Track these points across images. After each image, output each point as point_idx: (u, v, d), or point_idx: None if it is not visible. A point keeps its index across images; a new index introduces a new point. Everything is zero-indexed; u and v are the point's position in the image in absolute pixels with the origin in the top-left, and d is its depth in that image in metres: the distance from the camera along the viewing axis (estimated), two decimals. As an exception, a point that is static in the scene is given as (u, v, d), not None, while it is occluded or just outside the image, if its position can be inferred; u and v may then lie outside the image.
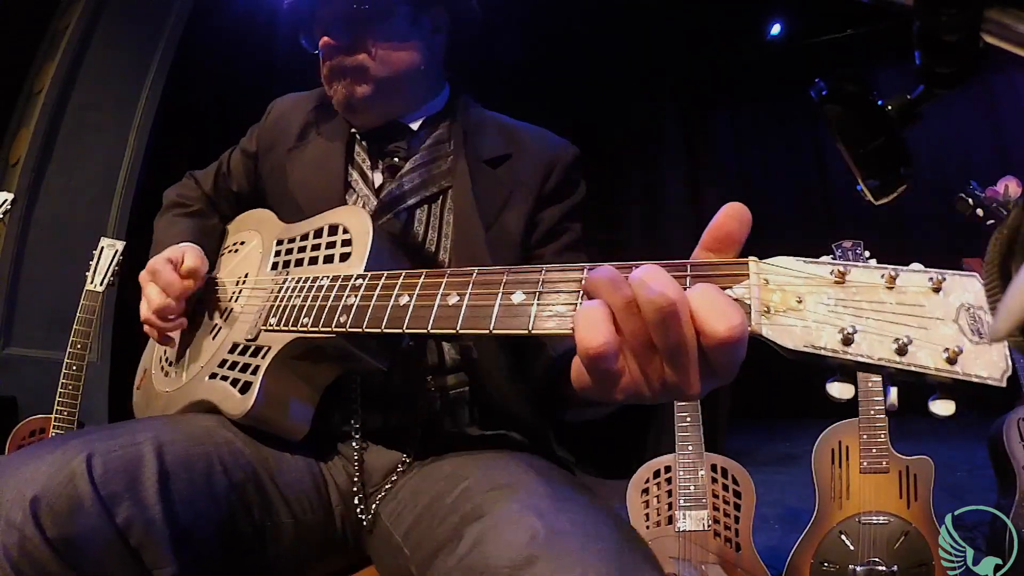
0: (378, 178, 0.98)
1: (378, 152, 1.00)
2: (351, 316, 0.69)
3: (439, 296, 0.62)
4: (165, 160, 3.32)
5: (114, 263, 2.03)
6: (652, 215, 4.87)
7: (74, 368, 1.97)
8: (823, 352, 0.44)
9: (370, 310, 0.67)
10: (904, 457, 1.77)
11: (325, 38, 0.94)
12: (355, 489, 0.86)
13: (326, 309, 0.72)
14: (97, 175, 3.21)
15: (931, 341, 0.41)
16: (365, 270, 0.75)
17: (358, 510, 0.85)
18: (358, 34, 0.94)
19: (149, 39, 3.34)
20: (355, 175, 0.98)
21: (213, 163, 1.16)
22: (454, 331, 0.59)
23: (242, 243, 1.04)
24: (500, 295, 0.58)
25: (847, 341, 0.43)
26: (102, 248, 2.04)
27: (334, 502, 0.86)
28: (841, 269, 0.45)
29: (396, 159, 0.98)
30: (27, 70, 3.15)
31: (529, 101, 1.09)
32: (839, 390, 0.45)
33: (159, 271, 0.91)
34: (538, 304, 0.55)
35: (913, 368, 0.41)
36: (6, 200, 1.94)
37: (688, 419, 1.90)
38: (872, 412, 1.78)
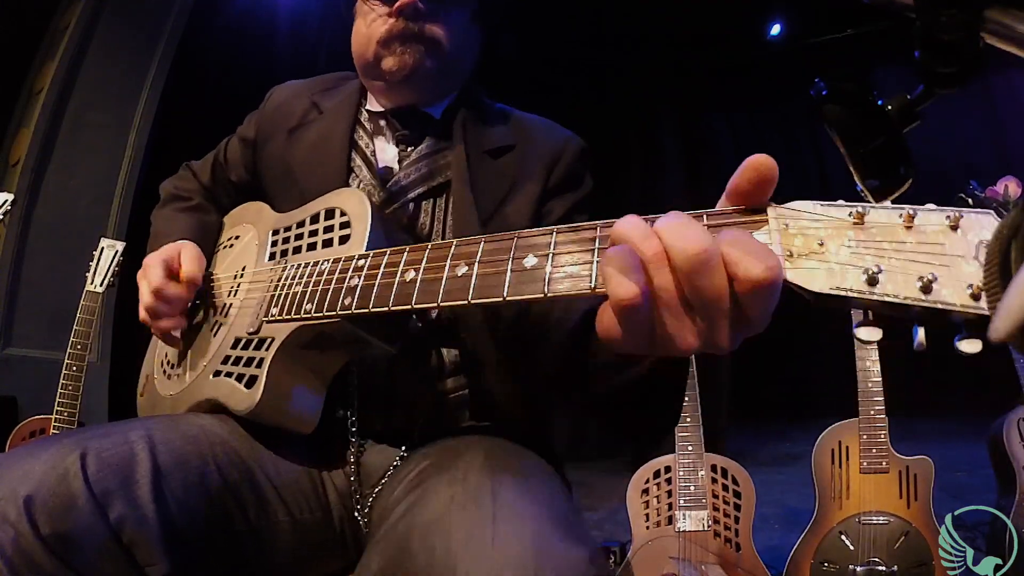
0: (383, 164, 0.95)
1: (384, 138, 0.98)
2: (356, 297, 0.66)
3: (447, 268, 0.60)
4: (165, 160, 3.30)
5: (114, 263, 2.03)
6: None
7: (74, 368, 1.97)
8: (850, 294, 0.43)
9: (375, 289, 0.65)
10: (904, 457, 1.77)
11: None
12: (352, 490, 0.86)
13: (329, 292, 0.70)
14: (97, 175, 3.21)
15: (955, 278, 0.41)
16: (367, 250, 0.72)
17: (355, 512, 0.85)
18: (440, 7, 0.91)
19: (149, 39, 3.34)
20: (358, 160, 0.96)
21: (209, 153, 1.14)
22: (466, 302, 0.57)
23: (237, 238, 1.02)
24: (511, 260, 0.56)
25: (872, 281, 0.43)
26: (102, 248, 2.04)
27: (332, 502, 0.86)
28: (859, 211, 0.45)
29: (402, 147, 0.96)
30: (27, 70, 3.15)
31: (526, 103, 1.08)
32: (867, 333, 0.44)
33: (150, 268, 0.90)
34: (552, 266, 0.54)
35: (939, 306, 0.41)
36: (6, 200, 1.94)
37: (688, 419, 1.89)
38: (872, 412, 1.78)
